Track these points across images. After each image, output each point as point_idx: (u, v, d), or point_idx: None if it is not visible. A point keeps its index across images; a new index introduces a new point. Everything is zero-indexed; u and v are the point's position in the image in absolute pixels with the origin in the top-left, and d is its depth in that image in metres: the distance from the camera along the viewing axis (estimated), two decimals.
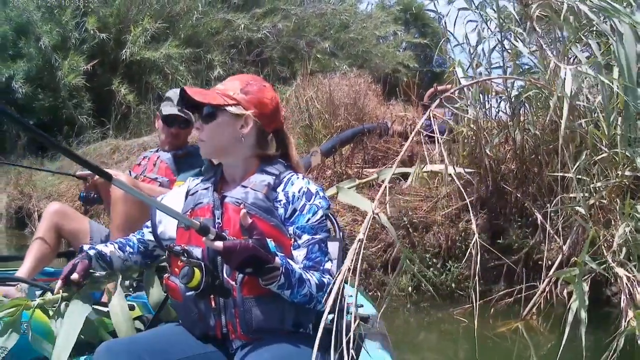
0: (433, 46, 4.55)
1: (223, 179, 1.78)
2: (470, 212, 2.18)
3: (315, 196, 1.67)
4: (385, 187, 1.53)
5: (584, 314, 2.27)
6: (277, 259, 1.47)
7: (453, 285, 4.33)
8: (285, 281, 1.48)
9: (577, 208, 2.72)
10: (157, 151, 3.21)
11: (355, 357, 1.76)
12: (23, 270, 2.67)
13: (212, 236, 1.42)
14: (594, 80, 2.49)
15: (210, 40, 11.26)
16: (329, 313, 1.54)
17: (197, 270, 1.47)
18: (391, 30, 14.40)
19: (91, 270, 1.85)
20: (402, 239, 4.58)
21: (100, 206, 3.16)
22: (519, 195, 4.24)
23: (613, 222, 3.07)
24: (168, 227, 1.80)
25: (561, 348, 2.43)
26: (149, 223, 1.90)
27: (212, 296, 1.59)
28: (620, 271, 2.52)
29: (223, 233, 1.49)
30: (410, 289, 4.38)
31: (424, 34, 15.79)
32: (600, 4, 1.96)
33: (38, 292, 2.47)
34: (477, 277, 1.64)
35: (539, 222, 3.88)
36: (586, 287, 2.43)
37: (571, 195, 2.82)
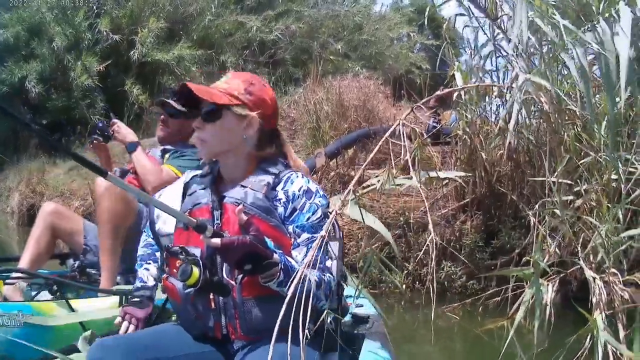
0: (446, 48, 4.61)
1: (220, 177, 1.75)
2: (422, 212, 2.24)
3: (315, 195, 1.66)
4: (350, 189, 1.61)
5: (538, 313, 2.34)
6: (276, 256, 1.46)
7: (446, 283, 4.44)
8: (284, 278, 1.46)
9: (555, 211, 2.78)
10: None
11: (355, 357, 1.78)
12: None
13: (209, 233, 1.42)
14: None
15: (222, 41, 11.33)
16: (329, 313, 1.55)
17: (195, 268, 1.47)
18: (405, 32, 14.40)
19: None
20: (398, 238, 4.67)
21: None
22: (513, 197, 4.32)
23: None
24: (166, 223, 1.78)
25: (506, 343, 2.52)
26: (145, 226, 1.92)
27: (211, 297, 1.59)
28: (588, 273, 2.57)
29: (222, 232, 1.48)
30: (404, 287, 4.48)
31: (437, 36, 15.76)
32: (557, 20, 2.01)
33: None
34: (433, 274, 1.72)
35: (531, 223, 3.95)
36: (546, 287, 2.50)
37: (554, 199, 2.88)
